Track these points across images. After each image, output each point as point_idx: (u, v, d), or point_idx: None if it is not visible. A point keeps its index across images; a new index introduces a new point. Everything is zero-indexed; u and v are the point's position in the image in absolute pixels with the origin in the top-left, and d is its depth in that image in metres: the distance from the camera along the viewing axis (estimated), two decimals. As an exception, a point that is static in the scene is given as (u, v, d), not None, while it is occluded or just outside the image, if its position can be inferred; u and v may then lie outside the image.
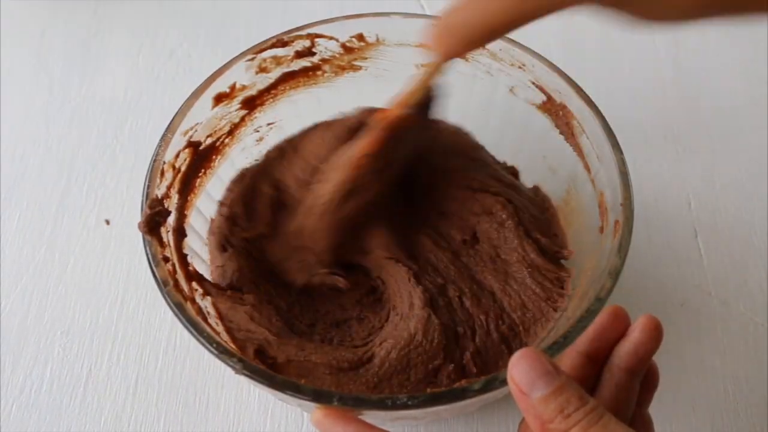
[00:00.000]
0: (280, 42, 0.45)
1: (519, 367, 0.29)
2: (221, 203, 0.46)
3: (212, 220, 0.45)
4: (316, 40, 0.46)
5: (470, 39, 0.30)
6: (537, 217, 0.45)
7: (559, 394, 0.28)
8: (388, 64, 0.48)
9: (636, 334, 0.34)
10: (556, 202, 0.47)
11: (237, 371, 0.33)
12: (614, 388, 0.34)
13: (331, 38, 0.46)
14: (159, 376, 0.47)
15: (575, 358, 0.35)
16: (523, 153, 0.49)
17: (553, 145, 0.46)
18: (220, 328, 0.40)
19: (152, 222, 0.38)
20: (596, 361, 0.36)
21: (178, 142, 0.41)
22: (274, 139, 0.49)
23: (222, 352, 0.33)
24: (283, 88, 0.47)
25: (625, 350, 0.34)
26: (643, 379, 0.36)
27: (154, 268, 0.36)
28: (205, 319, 0.38)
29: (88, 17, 0.65)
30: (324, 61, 0.47)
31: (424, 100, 0.39)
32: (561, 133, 0.44)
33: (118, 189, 0.55)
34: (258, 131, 0.48)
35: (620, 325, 0.36)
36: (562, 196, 0.47)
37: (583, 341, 0.35)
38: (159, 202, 0.39)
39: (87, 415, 0.46)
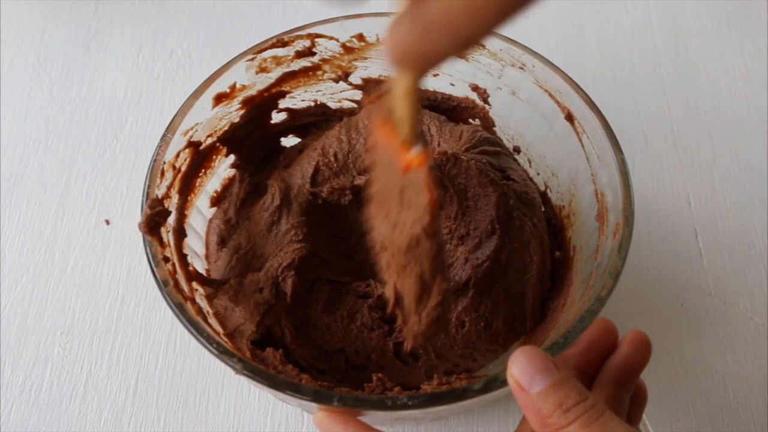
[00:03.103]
0: (280, 42, 0.45)
1: (518, 364, 0.29)
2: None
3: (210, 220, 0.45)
4: (317, 40, 0.46)
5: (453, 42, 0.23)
6: None
7: (558, 389, 0.28)
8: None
9: (624, 348, 0.35)
10: (557, 202, 0.47)
11: (237, 371, 0.33)
12: (604, 401, 0.34)
13: (331, 38, 0.46)
14: (159, 376, 0.47)
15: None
16: (523, 153, 0.49)
17: (553, 145, 0.46)
18: (220, 328, 0.40)
19: (152, 222, 0.38)
20: (587, 375, 0.36)
21: (178, 142, 0.41)
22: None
23: (222, 352, 0.33)
24: (283, 88, 0.47)
25: (614, 364, 0.35)
26: (632, 396, 0.36)
27: (154, 268, 0.36)
28: (205, 319, 0.38)
29: (88, 17, 0.65)
30: (324, 61, 0.47)
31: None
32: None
33: (118, 189, 0.55)
34: (258, 131, 0.48)
35: (609, 338, 0.36)
36: (562, 196, 0.47)
37: (573, 354, 0.36)
38: (159, 202, 0.39)
39: (87, 415, 0.46)
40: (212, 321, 0.40)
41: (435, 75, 0.48)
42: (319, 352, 0.41)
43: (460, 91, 0.49)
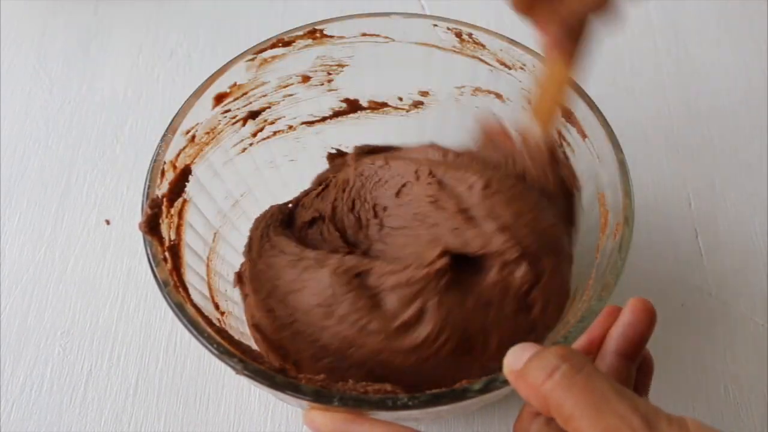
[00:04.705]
0: (281, 42, 0.45)
1: (509, 353, 0.30)
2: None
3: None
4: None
5: None
6: None
7: (543, 353, 0.28)
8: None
9: (626, 316, 0.34)
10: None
11: (237, 372, 0.33)
12: (605, 372, 0.34)
13: (331, 37, 0.46)
14: (159, 376, 0.47)
15: None
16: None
17: (553, 145, 0.46)
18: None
19: (153, 222, 0.38)
20: (590, 354, 0.35)
21: (178, 141, 0.41)
22: (274, 139, 0.49)
23: (222, 352, 0.33)
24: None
25: (615, 333, 0.34)
26: (638, 366, 0.35)
27: (154, 268, 0.36)
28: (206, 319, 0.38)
29: (88, 17, 0.65)
30: (325, 61, 0.47)
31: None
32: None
33: (118, 189, 0.55)
34: (260, 131, 0.48)
35: (614, 316, 0.35)
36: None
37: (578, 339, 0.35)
38: (159, 202, 0.39)
39: (87, 415, 0.46)
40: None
41: (435, 75, 0.48)
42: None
43: (460, 91, 0.49)
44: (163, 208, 0.40)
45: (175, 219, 0.41)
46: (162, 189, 0.40)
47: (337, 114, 0.50)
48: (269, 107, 0.47)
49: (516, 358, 0.29)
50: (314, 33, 0.45)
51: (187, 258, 0.41)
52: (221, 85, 0.43)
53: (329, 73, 0.48)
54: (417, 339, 0.37)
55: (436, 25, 0.45)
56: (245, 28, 0.64)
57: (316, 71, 0.47)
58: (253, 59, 0.44)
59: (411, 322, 0.37)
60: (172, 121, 0.41)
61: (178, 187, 0.42)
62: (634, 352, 0.34)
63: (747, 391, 0.47)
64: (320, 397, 0.32)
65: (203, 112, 0.43)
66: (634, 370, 0.34)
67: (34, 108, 0.60)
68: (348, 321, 0.38)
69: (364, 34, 0.46)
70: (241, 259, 0.46)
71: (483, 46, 0.45)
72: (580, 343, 0.36)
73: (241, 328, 0.43)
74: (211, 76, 0.43)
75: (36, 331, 0.49)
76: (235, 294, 0.45)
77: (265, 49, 0.44)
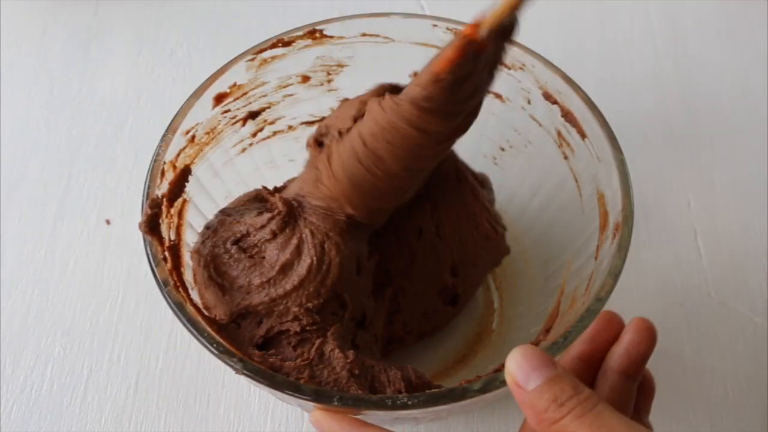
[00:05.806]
0: (281, 42, 0.45)
1: (515, 361, 0.29)
2: None
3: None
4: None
5: None
6: None
7: (553, 384, 0.28)
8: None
9: (628, 335, 0.35)
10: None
11: (237, 371, 0.33)
12: (608, 390, 0.34)
13: (331, 38, 0.46)
14: (159, 375, 0.47)
15: (569, 362, 0.36)
16: (522, 153, 0.49)
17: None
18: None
19: (153, 222, 0.38)
20: (591, 365, 0.36)
21: (178, 141, 0.41)
22: (274, 139, 0.49)
23: (222, 351, 0.33)
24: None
25: (618, 352, 0.35)
26: (639, 386, 0.36)
27: (154, 268, 0.36)
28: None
29: (88, 17, 0.65)
30: (324, 61, 0.47)
31: (505, 27, 0.33)
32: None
33: (118, 189, 0.55)
34: (259, 131, 0.48)
35: (614, 326, 0.36)
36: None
37: (576, 345, 0.36)
38: (159, 202, 0.39)
39: (87, 415, 0.46)
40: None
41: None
42: None
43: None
44: (163, 208, 0.40)
45: (175, 219, 0.41)
46: (162, 189, 0.40)
47: (337, 114, 0.50)
48: (269, 107, 0.47)
49: (519, 368, 0.29)
50: (314, 33, 0.45)
51: (187, 258, 0.41)
52: (221, 85, 0.43)
53: (329, 74, 0.48)
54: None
55: (435, 25, 0.45)
56: (245, 28, 0.65)
57: (315, 71, 0.47)
58: (253, 59, 0.44)
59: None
60: (172, 121, 0.41)
61: (178, 187, 0.42)
62: (636, 371, 0.35)
63: (747, 391, 0.47)
64: (320, 396, 0.32)
65: (203, 112, 0.43)
66: (635, 389, 0.35)
67: (34, 108, 0.60)
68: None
69: (364, 35, 0.46)
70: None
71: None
72: (582, 349, 0.36)
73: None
74: (211, 76, 0.43)
75: (36, 331, 0.49)
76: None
77: (265, 49, 0.44)
